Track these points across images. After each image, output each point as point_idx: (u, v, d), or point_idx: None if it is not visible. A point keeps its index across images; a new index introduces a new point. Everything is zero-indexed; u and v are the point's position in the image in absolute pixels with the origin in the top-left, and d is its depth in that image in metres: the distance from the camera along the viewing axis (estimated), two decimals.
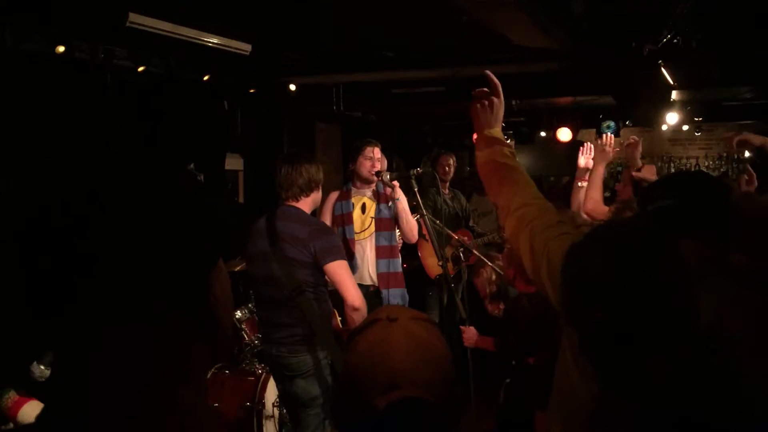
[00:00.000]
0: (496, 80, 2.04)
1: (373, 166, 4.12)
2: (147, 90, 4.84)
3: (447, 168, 6.29)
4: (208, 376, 3.80)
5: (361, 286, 3.80)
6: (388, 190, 4.08)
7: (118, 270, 0.78)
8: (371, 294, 4.04)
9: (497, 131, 2.04)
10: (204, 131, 5.42)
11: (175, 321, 0.82)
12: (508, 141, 3.66)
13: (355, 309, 3.22)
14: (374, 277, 4.12)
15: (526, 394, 2.88)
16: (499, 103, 2.03)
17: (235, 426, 3.67)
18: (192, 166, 4.52)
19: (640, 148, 4.17)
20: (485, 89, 2.05)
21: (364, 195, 4.19)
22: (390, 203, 4.12)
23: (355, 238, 4.10)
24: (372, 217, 4.08)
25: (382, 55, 5.55)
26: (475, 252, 4.71)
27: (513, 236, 1.79)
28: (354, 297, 3.22)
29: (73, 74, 4.29)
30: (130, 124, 4.40)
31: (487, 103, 2.03)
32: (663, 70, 4.63)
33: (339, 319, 3.56)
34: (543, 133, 9.27)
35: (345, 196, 4.20)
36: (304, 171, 3.41)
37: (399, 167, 5.46)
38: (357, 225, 4.10)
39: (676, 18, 4.01)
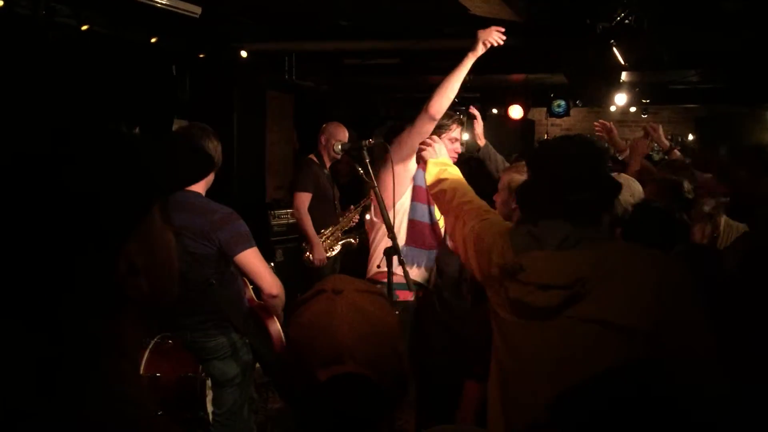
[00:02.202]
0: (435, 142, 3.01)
1: (455, 151, 3.44)
2: (90, 50, 4.66)
3: None
4: (150, 346, 3.73)
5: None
6: None
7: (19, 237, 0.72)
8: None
9: (443, 157, 2.85)
10: (150, 95, 5.27)
11: (83, 294, 0.76)
12: (461, 117, 3.56)
13: (274, 296, 3.05)
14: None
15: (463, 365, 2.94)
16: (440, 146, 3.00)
17: (177, 396, 3.62)
18: (137, 130, 4.38)
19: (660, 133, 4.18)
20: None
21: None
22: None
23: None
24: None
25: (337, 24, 5.47)
26: None
27: (450, 227, 2.32)
28: (270, 285, 3.04)
29: (11, 31, 4.10)
30: (70, 84, 4.23)
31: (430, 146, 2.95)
32: (615, 49, 4.67)
33: (251, 287, 3.45)
34: (495, 110, 9.33)
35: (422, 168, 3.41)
36: (210, 146, 3.07)
37: (351, 138, 5.41)
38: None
39: None
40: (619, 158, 4.04)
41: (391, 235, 3.17)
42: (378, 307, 1.28)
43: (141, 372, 3.59)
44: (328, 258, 5.35)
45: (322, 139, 5.43)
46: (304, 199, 5.30)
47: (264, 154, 7.07)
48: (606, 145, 4.00)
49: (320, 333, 1.23)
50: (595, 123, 4.21)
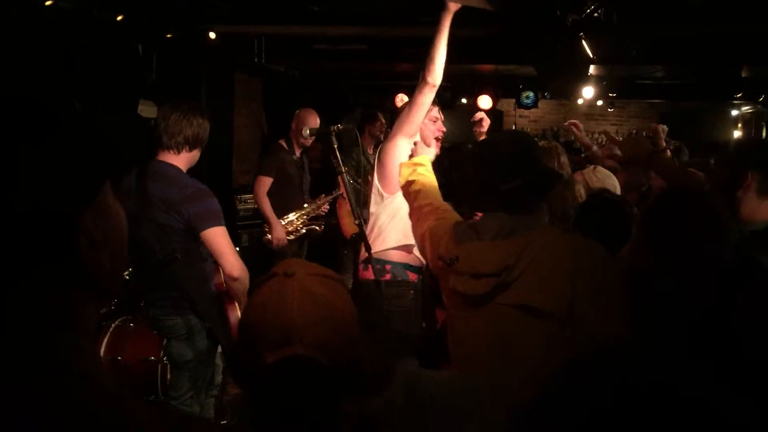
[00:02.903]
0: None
1: (439, 130, 3.48)
2: (53, 27, 4.55)
3: (382, 126, 6.32)
4: (112, 328, 3.69)
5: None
6: None
7: None
8: None
9: (421, 157, 2.76)
10: (115, 74, 5.17)
11: (41, 269, 0.75)
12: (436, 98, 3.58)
13: (234, 279, 3.04)
14: None
15: (437, 354, 2.98)
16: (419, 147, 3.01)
17: (138, 379, 3.58)
18: (100, 110, 4.28)
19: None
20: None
21: None
22: None
23: None
24: None
25: (307, 8, 5.42)
26: None
27: (414, 228, 2.46)
28: (233, 266, 3.03)
29: None
30: (32, 60, 4.13)
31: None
32: (584, 42, 4.71)
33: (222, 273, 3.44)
34: (464, 100, 9.36)
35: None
36: (195, 123, 3.12)
37: (319, 123, 5.40)
38: None
39: None
40: (583, 155, 4.07)
41: (358, 221, 3.17)
42: (330, 291, 1.27)
43: (102, 354, 3.55)
44: (289, 241, 5.32)
45: (293, 125, 5.43)
46: (263, 182, 5.32)
47: (231, 138, 7.00)
48: (561, 139, 4.05)
49: (270, 315, 1.22)
50: (567, 123, 4.19)
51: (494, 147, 2.16)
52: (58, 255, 0.76)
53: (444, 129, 3.52)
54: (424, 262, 3.22)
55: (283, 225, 5.29)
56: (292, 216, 5.36)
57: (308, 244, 5.76)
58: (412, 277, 3.30)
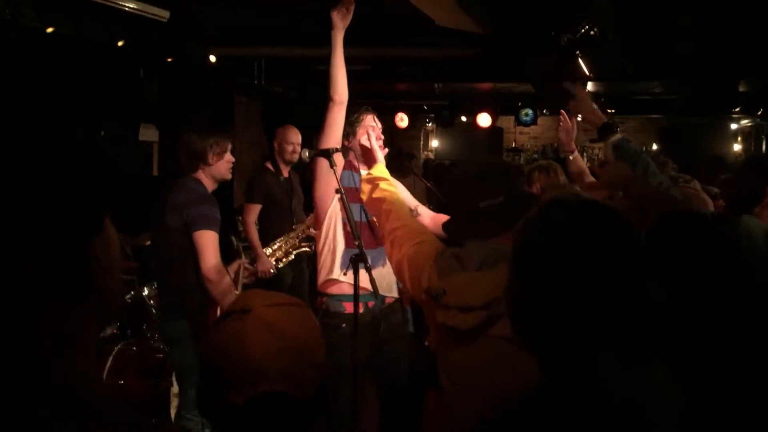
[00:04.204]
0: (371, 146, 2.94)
1: (378, 138, 3.31)
2: (55, 53, 4.60)
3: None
4: (114, 352, 3.70)
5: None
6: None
7: None
8: (396, 308, 3.38)
9: (376, 168, 2.70)
10: (116, 99, 5.22)
11: (55, 288, 0.78)
12: (366, 106, 3.55)
13: (208, 280, 3.13)
14: (394, 286, 3.33)
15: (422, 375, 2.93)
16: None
17: (141, 403, 3.59)
18: (102, 134, 4.33)
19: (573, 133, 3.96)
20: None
21: None
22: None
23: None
24: None
25: (308, 30, 5.47)
26: None
27: (388, 251, 2.29)
28: (209, 268, 3.13)
29: None
30: (33, 85, 4.17)
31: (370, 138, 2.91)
32: (580, 60, 4.75)
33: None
34: (464, 118, 9.41)
35: (352, 168, 3.40)
36: (186, 141, 3.40)
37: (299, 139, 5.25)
38: None
39: (594, 8, 4.11)
40: (561, 156, 3.99)
41: (358, 242, 3.14)
42: (290, 320, 1.27)
43: (104, 377, 3.56)
44: (278, 268, 5.05)
45: (275, 145, 5.26)
46: (251, 210, 5.14)
47: None
48: (562, 155, 3.95)
49: (233, 356, 1.22)
50: (562, 118, 3.91)
51: (470, 166, 2.13)
52: (75, 281, 0.78)
53: (382, 137, 3.40)
54: (369, 288, 3.02)
55: (267, 255, 5.01)
56: (277, 244, 5.08)
57: (296, 267, 5.37)
58: (350, 307, 3.14)
